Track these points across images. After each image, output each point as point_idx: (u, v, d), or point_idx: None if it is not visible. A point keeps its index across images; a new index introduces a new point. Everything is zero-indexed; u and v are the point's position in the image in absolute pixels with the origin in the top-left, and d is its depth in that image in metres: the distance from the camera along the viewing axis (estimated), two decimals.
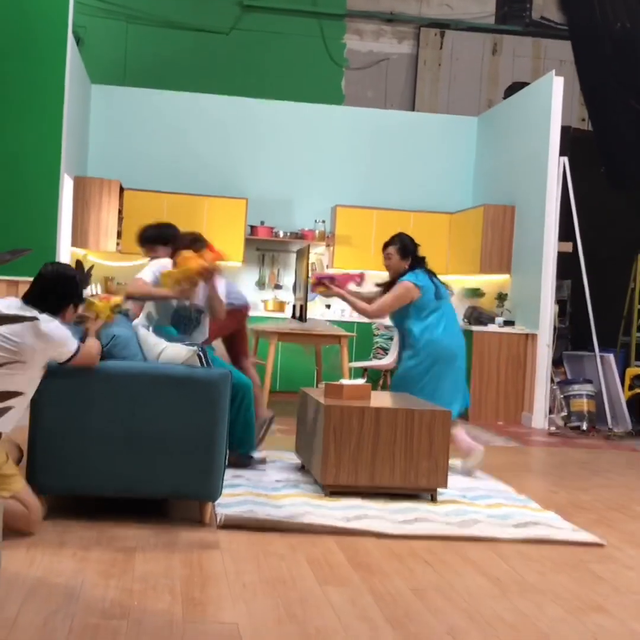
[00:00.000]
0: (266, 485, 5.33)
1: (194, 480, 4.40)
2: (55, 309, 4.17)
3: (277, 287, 11.37)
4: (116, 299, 4.81)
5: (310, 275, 7.41)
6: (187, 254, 5.41)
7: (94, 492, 4.42)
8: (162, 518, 4.55)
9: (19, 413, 4.07)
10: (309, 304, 8.12)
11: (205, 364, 4.59)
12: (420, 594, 3.63)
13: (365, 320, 10.94)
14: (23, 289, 7.40)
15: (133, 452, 4.35)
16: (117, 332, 4.62)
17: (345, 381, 5.55)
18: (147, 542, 4.09)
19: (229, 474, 5.39)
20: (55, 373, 4.29)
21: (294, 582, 3.67)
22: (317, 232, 11.22)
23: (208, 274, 5.37)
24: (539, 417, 9.36)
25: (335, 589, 3.62)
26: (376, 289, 6.72)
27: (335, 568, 3.91)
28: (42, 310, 4.09)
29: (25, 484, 4.10)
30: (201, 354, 4.60)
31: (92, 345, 4.39)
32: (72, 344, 4.20)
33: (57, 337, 4.10)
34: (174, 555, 3.93)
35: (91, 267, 6.90)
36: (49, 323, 4.07)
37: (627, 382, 9.85)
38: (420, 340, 6.17)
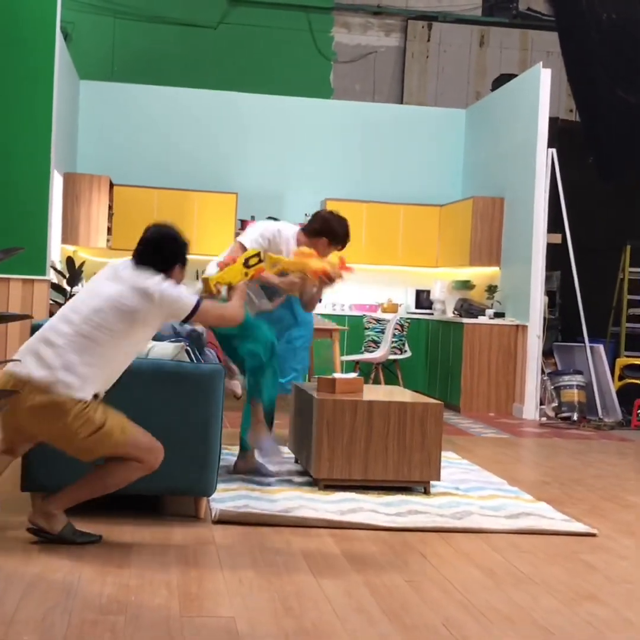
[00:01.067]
0: (260, 480, 5.35)
1: (189, 475, 4.42)
2: (163, 270, 4.12)
3: None
4: (248, 253, 4.63)
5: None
6: (308, 250, 5.23)
7: None
8: (157, 514, 4.57)
9: (118, 374, 4.07)
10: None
11: (194, 359, 4.61)
12: (415, 586, 3.66)
13: (357, 313, 10.97)
14: (15, 286, 7.41)
15: None
16: None
17: (337, 375, 5.57)
18: (142, 538, 4.11)
19: (223, 469, 5.41)
20: None
21: (289, 576, 3.70)
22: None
23: (327, 281, 5.27)
24: (529, 408, 9.41)
25: (331, 582, 3.65)
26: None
27: (330, 561, 3.94)
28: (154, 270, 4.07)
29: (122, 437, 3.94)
30: (189, 350, 4.62)
31: (228, 306, 4.35)
32: (189, 299, 4.07)
33: (168, 296, 4.00)
34: (170, 550, 3.95)
35: (82, 264, 6.93)
36: (159, 284, 4.01)
37: (617, 372, 9.91)
38: (306, 317, 6.15)
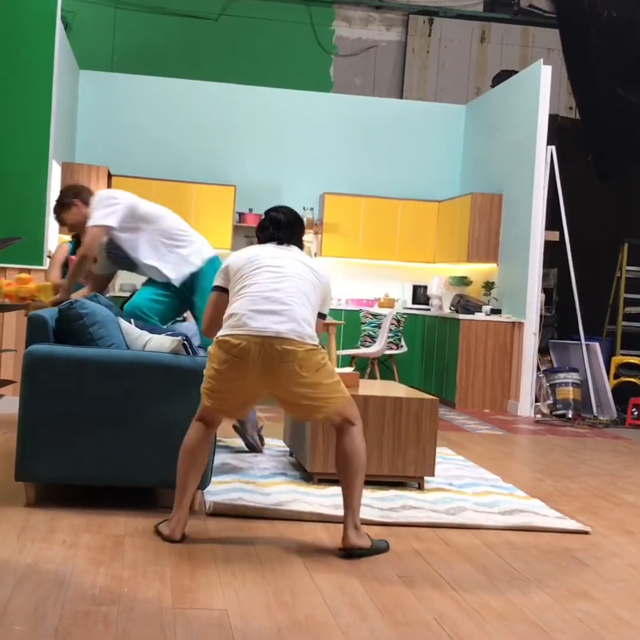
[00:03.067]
0: (255, 473, 5.35)
1: None
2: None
3: None
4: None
5: None
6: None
7: (83, 480, 4.43)
8: (151, 506, 4.57)
9: None
10: None
11: (190, 352, 4.61)
12: (408, 582, 3.66)
13: (353, 307, 10.97)
14: (12, 275, 7.39)
15: (122, 441, 4.37)
16: (92, 308, 4.59)
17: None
18: (136, 530, 4.11)
19: (218, 461, 5.42)
20: (43, 361, 4.30)
21: (283, 570, 3.70)
22: (305, 219, 11.23)
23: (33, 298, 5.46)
24: (525, 405, 9.42)
25: (324, 576, 3.65)
26: None
27: (324, 555, 3.94)
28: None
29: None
30: (186, 343, 4.62)
31: None
32: None
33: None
34: (163, 542, 3.95)
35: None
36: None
37: (613, 370, 9.92)
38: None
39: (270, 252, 4.13)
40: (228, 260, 4.20)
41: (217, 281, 4.20)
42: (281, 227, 4.24)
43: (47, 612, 3.03)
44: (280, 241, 4.22)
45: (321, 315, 4.23)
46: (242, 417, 4.77)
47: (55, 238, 9.64)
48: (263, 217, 4.33)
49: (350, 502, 3.97)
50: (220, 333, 3.95)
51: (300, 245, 4.29)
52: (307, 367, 3.89)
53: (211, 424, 4.04)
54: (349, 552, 3.90)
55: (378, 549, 3.99)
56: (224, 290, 4.16)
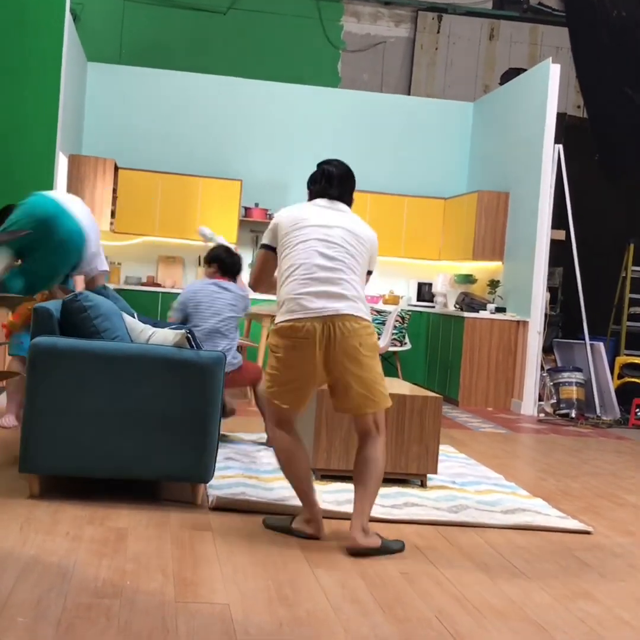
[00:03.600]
0: (258, 468, 5.37)
1: (187, 462, 4.43)
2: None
3: None
4: None
5: None
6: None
7: (87, 473, 4.44)
8: (154, 499, 4.59)
9: None
10: None
11: (194, 346, 4.62)
12: (410, 578, 3.67)
13: None
14: None
15: (127, 434, 4.38)
16: (97, 301, 4.61)
17: None
18: (139, 523, 4.12)
19: (221, 456, 5.43)
20: (48, 353, 4.31)
21: (284, 565, 3.71)
22: None
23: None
24: (528, 404, 9.42)
25: (326, 571, 3.66)
26: None
27: (325, 551, 3.95)
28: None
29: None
30: (190, 336, 4.62)
31: None
32: None
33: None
34: (166, 536, 3.96)
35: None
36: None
37: (617, 370, 9.92)
38: None
39: (317, 217, 4.11)
40: (276, 217, 4.20)
41: (266, 239, 4.21)
42: (333, 181, 4.22)
43: (50, 604, 3.05)
44: (331, 197, 4.20)
45: (369, 272, 4.26)
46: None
47: None
48: (316, 169, 4.30)
49: (361, 506, 3.96)
50: (278, 320, 3.98)
51: (350, 201, 4.27)
52: (366, 345, 3.96)
53: (290, 423, 4.08)
54: (355, 551, 3.90)
55: (388, 548, 3.96)
56: (272, 249, 4.18)
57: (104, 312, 4.59)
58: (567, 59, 12.48)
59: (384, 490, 5.02)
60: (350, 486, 5.03)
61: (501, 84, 11.90)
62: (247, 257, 11.36)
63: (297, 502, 4.58)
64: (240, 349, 7.31)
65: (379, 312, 10.28)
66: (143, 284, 10.88)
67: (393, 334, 10.00)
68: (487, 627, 3.20)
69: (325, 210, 4.14)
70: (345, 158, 11.79)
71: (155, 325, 4.94)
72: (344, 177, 4.25)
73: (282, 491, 4.79)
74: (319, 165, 4.28)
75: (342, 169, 4.26)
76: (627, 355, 10.71)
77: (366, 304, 4.10)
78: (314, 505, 4.08)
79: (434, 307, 11.22)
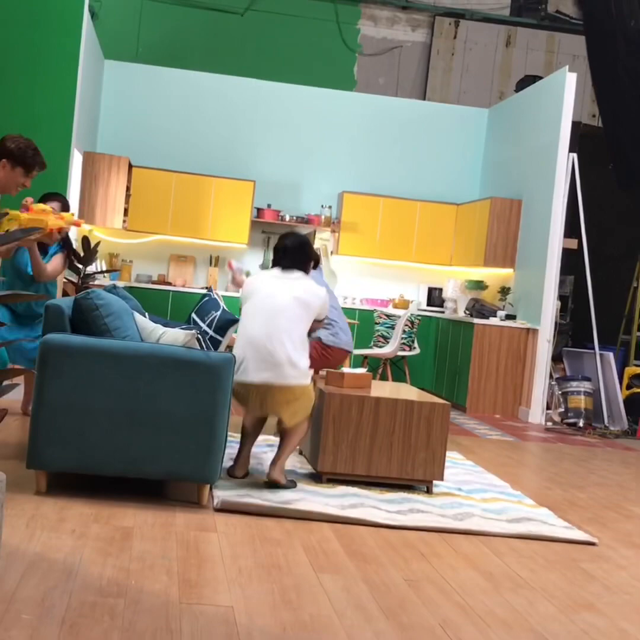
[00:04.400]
0: (264, 470, 5.37)
1: (194, 462, 4.43)
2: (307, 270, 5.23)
3: None
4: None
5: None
6: (44, 207, 5.06)
7: (94, 470, 4.45)
8: (160, 498, 4.59)
9: None
10: None
11: (204, 347, 4.62)
12: (414, 585, 3.67)
13: (367, 307, 10.98)
14: None
15: (134, 432, 4.38)
16: (108, 300, 4.60)
17: (346, 369, 5.57)
18: (145, 522, 4.13)
19: (227, 457, 5.43)
20: (59, 350, 4.32)
21: (289, 568, 3.71)
22: (323, 217, 11.24)
23: (54, 239, 5.23)
24: (536, 412, 9.41)
25: (330, 576, 3.66)
26: None
27: (330, 556, 3.95)
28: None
29: None
30: (200, 337, 4.63)
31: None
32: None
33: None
34: (171, 536, 3.97)
35: (97, 243, 6.94)
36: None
37: (625, 381, 9.89)
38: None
39: (268, 287, 5.04)
40: (245, 285, 5.19)
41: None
42: (287, 253, 5.14)
43: (55, 602, 3.05)
44: (285, 267, 5.12)
45: (317, 321, 5.15)
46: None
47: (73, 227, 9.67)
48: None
49: (282, 450, 5.02)
50: (235, 377, 4.86)
51: (305, 267, 5.17)
52: (293, 399, 4.97)
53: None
54: (270, 484, 4.94)
55: (287, 486, 4.98)
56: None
57: (115, 311, 4.60)
58: (583, 68, 12.47)
59: (389, 496, 5.03)
60: (355, 490, 5.04)
61: (517, 91, 11.87)
62: (258, 259, 11.38)
63: (302, 505, 4.59)
64: None
65: (388, 316, 10.29)
66: (154, 283, 10.90)
67: (402, 338, 10.00)
68: (491, 637, 3.20)
69: (276, 280, 5.07)
70: (358, 161, 11.81)
71: (166, 325, 4.95)
72: (297, 249, 5.16)
73: (286, 494, 4.79)
74: (280, 238, 5.26)
75: (296, 242, 5.19)
76: (636, 365, 10.68)
77: (302, 359, 4.95)
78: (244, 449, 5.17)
79: (443, 312, 11.22)
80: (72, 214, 5.43)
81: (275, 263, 5.17)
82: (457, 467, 6.15)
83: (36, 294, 2.97)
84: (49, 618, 2.91)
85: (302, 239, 5.24)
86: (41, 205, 5.09)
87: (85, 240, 7.95)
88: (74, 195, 9.45)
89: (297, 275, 5.10)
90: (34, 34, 8.51)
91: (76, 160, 9.38)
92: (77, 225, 5.43)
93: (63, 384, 4.34)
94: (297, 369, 4.92)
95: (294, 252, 5.14)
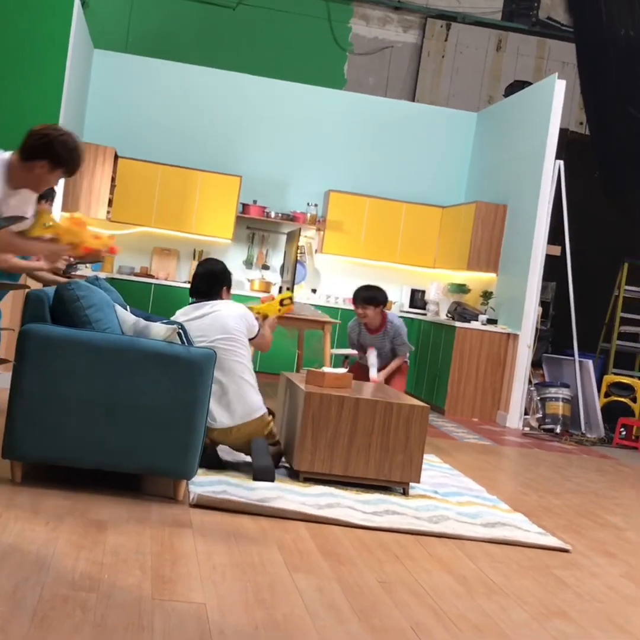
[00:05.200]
0: (241, 467, 5.36)
1: (171, 457, 4.41)
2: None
3: (265, 267, 11.38)
4: (284, 295, 5.89)
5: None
6: (80, 216, 4.54)
7: (71, 462, 4.42)
8: (136, 492, 4.57)
9: None
10: (294, 287, 8.13)
11: (185, 342, 4.61)
12: (387, 587, 3.67)
13: (350, 307, 10.98)
14: None
15: (112, 425, 4.36)
16: (90, 291, 4.57)
17: (327, 369, 5.57)
18: (119, 516, 4.11)
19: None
20: (38, 340, 4.30)
21: (263, 567, 3.70)
22: (308, 215, 11.23)
23: (95, 259, 4.74)
24: (513, 417, 9.44)
25: (304, 576, 3.65)
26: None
27: (305, 555, 3.95)
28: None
29: None
30: (181, 332, 4.61)
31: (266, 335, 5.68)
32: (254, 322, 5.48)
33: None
34: (146, 530, 3.95)
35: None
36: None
37: (604, 389, 9.94)
38: None
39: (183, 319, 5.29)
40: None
41: None
42: (200, 279, 5.45)
43: (27, 594, 3.03)
44: (200, 293, 5.43)
45: (252, 337, 5.46)
46: None
47: (57, 216, 9.61)
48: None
49: None
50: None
51: (218, 291, 5.45)
52: (255, 432, 5.29)
53: None
54: None
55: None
56: None
57: (96, 303, 4.58)
58: (573, 75, 12.50)
59: (365, 496, 5.03)
60: (332, 490, 5.04)
61: (505, 96, 11.90)
62: (242, 254, 11.36)
63: (278, 503, 4.58)
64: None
65: None
66: (136, 275, 10.87)
67: None
68: None
69: (192, 311, 5.34)
70: (345, 160, 11.77)
71: (147, 318, 4.93)
72: (208, 276, 5.44)
73: (264, 492, 4.78)
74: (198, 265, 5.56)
75: (207, 269, 5.48)
76: (615, 374, 10.73)
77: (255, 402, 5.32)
78: None
79: (425, 314, 11.23)
80: (111, 237, 4.97)
81: (191, 291, 5.56)
82: (434, 469, 6.16)
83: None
84: (20, 610, 2.89)
85: (214, 266, 5.54)
86: (78, 215, 4.59)
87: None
88: (58, 184, 9.39)
89: (213, 302, 5.40)
90: (24, 20, 8.45)
91: None
92: (113, 252, 4.68)
93: (41, 375, 4.32)
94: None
95: (206, 278, 5.47)
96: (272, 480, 5.07)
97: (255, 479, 5.06)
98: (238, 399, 5.25)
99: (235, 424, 5.24)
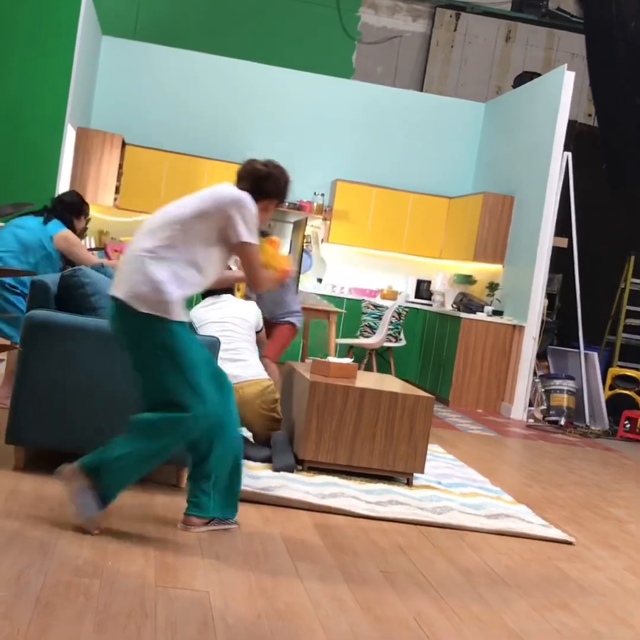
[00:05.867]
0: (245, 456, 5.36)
1: None
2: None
3: None
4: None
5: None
6: (276, 240, 4.52)
7: (75, 448, 4.41)
8: (140, 480, 4.57)
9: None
10: (301, 276, 8.13)
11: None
12: (390, 577, 3.67)
13: (355, 297, 10.97)
14: None
15: (116, 412, 4.36)
16: (95, 278, 4.58)
17: (332, 359, 5.57)
18: (123, 503, 4.11)
19: None
20: (43, 326, 4.30)
21: (266, 556, 3.71)
22: (315, 204, 11.22)
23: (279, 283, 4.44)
24: (518, 409, 9.43)
25: (307, 565, 3.66)
26: None
27: (308, 544, 3.95)
28: None
29: None
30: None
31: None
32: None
33: None
34: (150, 518, 3.96)
35: (88, 220, 6.88)
36: None
37: (609, 381, 9.93)
38: None
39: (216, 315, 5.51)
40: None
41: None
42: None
43: (30, 580, 3.04)
44: (217, 292, 5.57)
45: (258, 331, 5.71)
46: None
47: None
48: None
49: None
50: None
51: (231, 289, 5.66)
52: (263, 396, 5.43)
53: None
54: None
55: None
56: None
57: (101, 290, 4.58)
58: (582, 67, 12.45)
59: (369, 486, 5.03)
60: (336, 480, 5.04)
61: (514, 86, 11.86)
62: None
63: (282, 492, 4.59)
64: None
65: (376, 306, 10.28)
66: None
67: (389, 329, 10.00)
68: (463, 632, 3.20)
69: (212, 302, 5.66)
70: (352, 150, 11.79)
71: None
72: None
73: (268, 481, 4.79)
74: None
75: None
76: (620, 366, 10.72)
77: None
78: None
79: (431, 305, 11.22)
80: (289, 258, 4.74)
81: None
82: (438, 460, 6.16)
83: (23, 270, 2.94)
84: (24, 595, 2.90)
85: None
86: (275, 238, 4.54)
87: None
88: (65, 171, 9.39)
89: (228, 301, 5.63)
90: (33, 6, 8.44)
91: (69, 136, 9.32)
92: (286, 273, 4.41)
93: (46, 361, 4.32)
94: None
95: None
96: (291, 471, 5.12)
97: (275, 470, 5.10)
98: (252, 361, 5.47)
99: (246, 379, 5.35)
